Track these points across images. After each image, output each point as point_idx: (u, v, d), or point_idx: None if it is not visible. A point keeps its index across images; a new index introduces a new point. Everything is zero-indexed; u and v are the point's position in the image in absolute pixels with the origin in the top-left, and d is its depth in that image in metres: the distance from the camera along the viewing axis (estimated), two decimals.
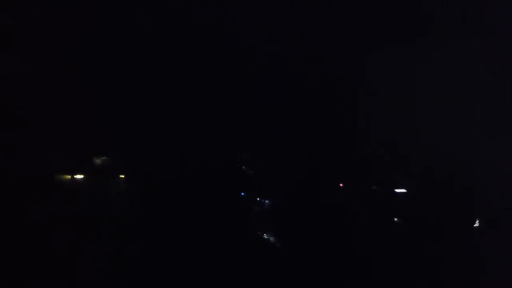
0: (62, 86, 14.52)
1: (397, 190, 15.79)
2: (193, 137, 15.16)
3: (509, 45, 15.62)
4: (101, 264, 13.57)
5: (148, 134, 14.93)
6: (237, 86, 15.52)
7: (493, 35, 15.54)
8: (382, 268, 14.36)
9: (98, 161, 14.81)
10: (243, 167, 15.54)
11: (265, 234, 14.97)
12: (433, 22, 15.64)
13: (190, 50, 15.26)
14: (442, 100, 15.69)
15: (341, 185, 15.55)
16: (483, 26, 15.54)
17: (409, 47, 15.48)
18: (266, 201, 15.36)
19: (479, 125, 15.73)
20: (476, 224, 15.40)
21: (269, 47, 15.58)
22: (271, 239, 14.93)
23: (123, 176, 14.88)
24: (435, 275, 14.42)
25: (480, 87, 15.68)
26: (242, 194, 15.35)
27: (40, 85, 14.42)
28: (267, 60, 15.55)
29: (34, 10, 14.37)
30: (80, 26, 14.58)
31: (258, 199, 15.38)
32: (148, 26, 15.03)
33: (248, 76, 15.56)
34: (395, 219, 15.42)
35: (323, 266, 14.36)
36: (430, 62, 15.54)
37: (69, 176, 14.56)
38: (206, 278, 13.82)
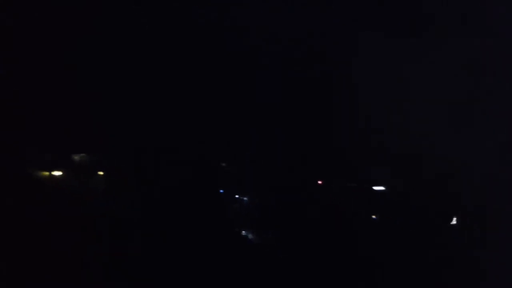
0: (44, 85, 14.52)
1: (377, 188, 15.85)
2: (173, 135, 15.20)
3: (498, 44, 15.71)
4: (82, 260, 13.53)
5: (128, 131, 14.95)
6: (221, 85, 15.57)
7: (483, 34, 15.64)
8: (362, 264, 14.38)
9: (77, 158, 14.82)
10: (223, 164, 15.59)
11: (243, 231, 15.00)
12: (426, 23, 15.71)
13: (178, 47, 15.29)
14: (428, 99, 15.78)
15: (319, 182, 15.60)
16: (474, 25, 15.63)
17: (397, 46, 15.58)
18: (245, 198, 15.41)
19: (462, 123, 15.82)
20: (456, 221, 15.46)
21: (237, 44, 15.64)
22: (250, 235, 14.96)
23: (102, 173, 14.89)
24: (417, 270, 14.44)
25: (465, 87, 15.78)
26: (221, 191, 15.40)
27: (21, 84, 14.41)
28: (249, 60, 15.63)
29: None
30: (73, 23, 14.61)
31: (236, 196, 15.42)
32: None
33: (234, 75, 15.62)
34: (373, 216, 15.48)
35: (302, 262, 14.36)
36: (418, 62, 15.64)
37: (47, 173, 14.55)
38: (185, 273, 13.81)
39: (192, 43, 15.31)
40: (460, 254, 14.68)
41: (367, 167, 15.86)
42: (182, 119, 15.26)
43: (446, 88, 15.81)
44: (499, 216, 14.96)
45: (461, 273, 14.15)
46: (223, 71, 15.44)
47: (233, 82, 15.61)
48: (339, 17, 15.58)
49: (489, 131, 15.61)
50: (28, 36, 14.42)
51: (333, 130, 15.78)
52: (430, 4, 15.67)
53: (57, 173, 14.66)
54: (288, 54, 15.68)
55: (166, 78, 15.17)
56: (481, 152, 15.37)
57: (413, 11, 15.77)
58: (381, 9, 15.76)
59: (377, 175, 15.86)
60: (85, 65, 14.66)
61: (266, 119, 15.66)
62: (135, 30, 14.98)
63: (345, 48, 15.77)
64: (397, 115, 15.70)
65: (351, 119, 15.81)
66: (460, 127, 15.66)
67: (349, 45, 15.74)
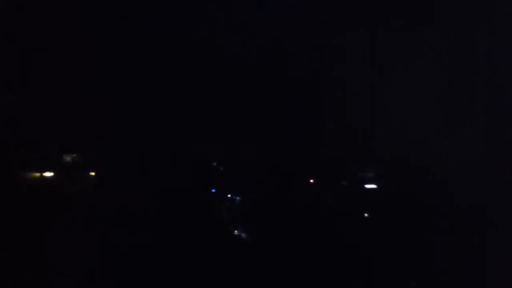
0: (32, 85, 14.46)
1: (367, 186, 15.88)
2: (164, 134, 15.17)
3: (480, 42, 15.77)
4: (74, 260, 13.48)
5: (118, 131, 14.91)
6: (208, 84, 15.55)
7: (468, 30, 15.70)
8: (353, 262, 14.40)
9: (68, 158, 14.76)
10: (214, 164, 15.57)
11: (236, 230, 14.99)
12: (415, 20, 15.75)
13: (163, 45, 15.26)
14: (413, 97, 15.83)
15: (311, 181, 15.61)
16: (464, 21, 15.69)
17: (388, 44, 15.63)
18: (237, 198, 15.40)
19: (447, 120, 15.88)
20: (445, 217, 15.52)
21: (241, 45, 15.64)
22: (242, 235, 14.96)
23: (93, 173, 14.83)
24: (406, 268, 14.48)
25: (449, 83, 15.84)
26: (213, 190, 15.38)
27: (9, 84, 14.34)
28: (238, 58, 15.61)
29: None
30: (63, 22, 14.56)
31: (229, 195, 15.41)
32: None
33: (220, 74, 15.60)
34: (366, 214, 15.50)
35: (294, 261, 14.35)
36: (408, 61, 15.70)
37: (38, 174, 14.49)
38: (177, 273, 13.78)
39: (173, 42, 15.28)
40: (452, 251, 14.72)
41: (359, 166, 15.90)
42: (173, 119, 15.24)
43: (436, 87, 15.87)
44: (490, 213, 15.04)
45: (453, 270, 14.22)
46: (211, 70, 15.43)
47: (222, 81, 15.60)
48: (324, 15, 15.63)
49: (480, 129, 15.69)
50: (13, 37, 14.36)
51: (325, 129, 15.82)
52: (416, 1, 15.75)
53: (48, 174, 14.59)
54: (279, 52, 15.68)
55: (156, 77, 15.14)
56: (473, 150, 15.45)
57: (399, 8, 15.80)
58: (367, 7, 15.79)
59: (369, 173, 15.90)
60: (74, 64, 14.61)
61: (258, 119, 15.67)
62: (123, 28, 14.95)
63: (334, 47, 15.79)
64: (388, 114, 15.76)
65: (343, 118, 15.84)
66: (451, 125, 15.74)
67: (339, 43, 15.77)
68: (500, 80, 15.60)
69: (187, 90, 15.41)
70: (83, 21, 14.71)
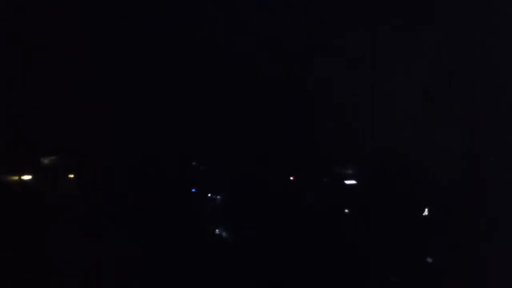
0: (9, 84, 14.36)
1: (348, 182, 15.92)
2: (143, 134, 15.12)
3: (462, 39, 15.86)
4: (52, 264, 13.42)
5: (97, 132, 14.84)
6: (186, 85, 15.52)
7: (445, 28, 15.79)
8: (334, 260, 14.45)
9: (46, 161, 14.67)
10: (194, 163, 15.54)
11: (217, 230, 14.98)
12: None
13: (143, 47, 15.23)
14: (392, 94, 15.89)
15: (291, 178, 15.64)
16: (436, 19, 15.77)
17: (360, 40, 15.66)
18: (218, 197, 15.38)
19: (427, 118, 15.96)
20: (425, 213, 15.59)
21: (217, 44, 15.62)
22: (223, 234, 14.95)
23: (72, 175, 14.76)
24: (386, 265, 14.55)
25: (429, 80, 15.92)
26: (193, 190, 15.36)
27: None
28: (217, 56, 15.59)
29: None
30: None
31: (209, 194, 15.39)
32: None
33: (197, 74, 15.58)
34: (346, 210, 15.55)
35: (276, 259, 14.38)
36: (389, 58, 15.76)
37: (16, 177, 14.40)
38: (157, 274, 13.77)
39: (153, 42, 15.26)
40: (433, 245, 14.81)
41: (339, 162, 15.94)
42: (151, 119, 15.20)
43: (420, 86, 15.96)
44: (474, 210, 15.16)
45: (434, 264, 14.33)
46: (193, 70, 15.40)
47: (202, 80, 15.58)
48: (300, 16, 15.67)
49: (459, 127, 15.80)
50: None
51: (304, 127, 15.83)
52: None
53: (26, 177, 14.51)
54: (259, 51, 15.69)
55: (135, 78, 15.09)
56: (452, 147, 15.55)
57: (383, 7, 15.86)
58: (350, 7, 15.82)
59: (349, 170, 15.94)
60: (54, 64, 14.53)
61: (237, 117, 15.66)
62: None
63: (314, 46, 15.82)
64: (368, 110, 15.82)
65: (322, 115, 15.87)
66: (434, 124, 15.83)
67: (318, 42, 15.80)
68: (486, 80, 15.75)
69: (166, 90, 15.37)
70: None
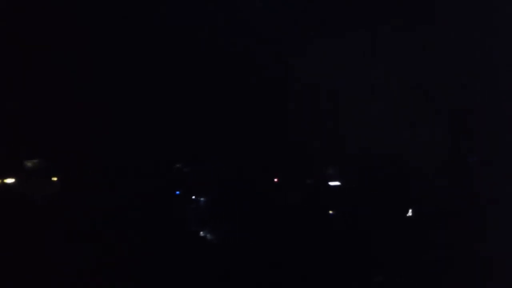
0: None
1: (332, 183, 15.96)
2: (126, 137, 15.14)
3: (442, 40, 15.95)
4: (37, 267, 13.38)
5: (82, 135, 14.86)
6: (170, 87, 15.55)
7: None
8: (319, 261, 14.45)
9: (30, 163, 14.66)
10: (178, 166, 15.56)
11: (201, 232, 14.98)
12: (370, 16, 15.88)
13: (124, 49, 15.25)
14: (377, 95, 15.97)
15: (275, 180, 15.66)
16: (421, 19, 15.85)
17: (346, 42, 15.73)
18: (202, 199, 15.39)
19: (412, 119, 16.03)
20: (409, 214, 15.63)
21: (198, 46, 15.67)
22: (208, 236, 14.95)
23: (55, 178, 14.75)
24: (371, 266, 14.55)
25: (416, 81, 16.01)
26: (177, 192, 15.36)
27: None
28: (197, 60, 15.64)
29: None
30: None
31: (193, 197, 15.40)
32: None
33: (182, 76, 15.62)
34: (330, 211, 15.57)
35: (260, 260, 14.37)
36: (369, 60, 15.83)
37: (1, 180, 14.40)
38: (142, 276, 13.74)
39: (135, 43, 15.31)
40: (418, 245, 14.82)
41: (322, 163, 15.98)
42: (135, 121, 15.23)
43: (398, 86, 16.02)
44: (453, 206, 15.21)
45: (419, 264, 14.33)
46: (175, 71, 15.45)
47: (184, 81, 15.62)
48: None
49: (442, 127, 15.87)
50: None
51: (287, 128, 15.88)
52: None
53: (9, 180, 14.50)
54: (240, 53, 15.74)
55: (119, 81, 15.13)
56: (435, 147, 15.62)
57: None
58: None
59: (332, 171, 15.98)
60: (37, 67, 14.55)
61: (221, 118, 15.70)
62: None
63: (295, 47, 15.89)
64: (351, 112, 15.88)
65: (306, 116, 15.93)
66: (413, 123, 15.91)
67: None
68: (474, 81, 15.86)
69: (150, 92, 15.42)
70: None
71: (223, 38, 15.55)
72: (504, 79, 15.53)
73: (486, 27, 15.48)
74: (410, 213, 15.65)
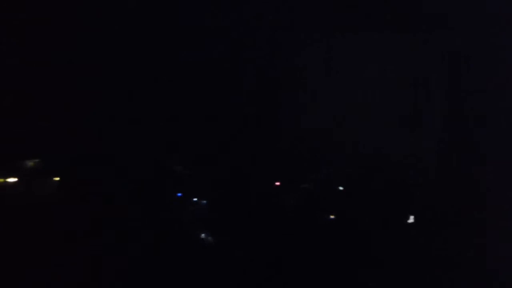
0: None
1: (334, 188, 15.95)
2: (128, 139, 15.15)
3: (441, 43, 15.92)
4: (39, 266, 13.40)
5: (81, 136, 14.87)
6: (174, 90, 15.57)
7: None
8: (321, 263, 14.43)
9: (31, 163, 14.68)
10: (179, 168, 15.57)
11: (202, 233, 14.98)
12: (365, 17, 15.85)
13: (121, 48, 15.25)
14: (375, 98, 15.95)
15: (277, 183, 15.65)
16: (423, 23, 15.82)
17: (339, 44, 15.73)
18: (203, 201, 15.40)
19: (415, 123, 16.01)
20: (411, 220, 15.60)
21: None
22: (208, 238, 14.95)
23: (57, 178, 14.77)
24: (372, 270, 14.52)
25: (411, 83, 15.99)
26: (179, 195, 15.37)
27: None
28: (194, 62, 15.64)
29: None
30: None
31: (195, 199, 15.41)
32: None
33: (186, 79, 15.63)
34: (332, 216, 15.55)
35: (261, 263, 14.37)
36: (371, 62, 15.82)
37: (1, 179, 14.41)
38: (144, 276, 13.75)
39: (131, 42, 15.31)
40: (418, 252, 14.78)
41: (324, 168, 15.97)
42: (137, 123, 15.24)
43: (397, 88, 16.00)
44: (455, 213, 15.17)
45: (419, 270, 14.30)
46: (175, 73, 15.45)
47: (185, 84, 15.63)
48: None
49: (442, 130, 15.84)
50: None
51: (289, 132, 15.88)
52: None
53: (11, 179, 14.52)
54: (241, 54, 15.74)
55: (120, 81, 15.14)
56: (435, 151, 15.59)
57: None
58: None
59: (333, 175, 15.97)
60: (39, 68, 14.57)
61: (223, 122, 15.70)
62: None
63: (293, 48, 15.88)
64: (352, 116, 15.87)
65: (308, 120, 15.92)
66: (413, 126, 15.87)
67: (297, 45, 15.86)
68: (470, 82, 15.81)
69: (151, 94, 15.42)
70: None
71: (228, 39, 15.55)
72: (509, 81, 15.50)
73: (494, 27, 15.45)
74: (411, 218, 15.63)
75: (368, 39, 15.76)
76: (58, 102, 14.82)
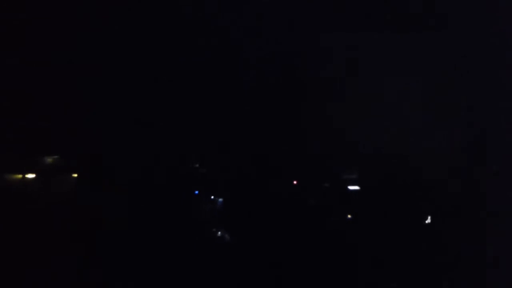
0: (13, 85, 14.39)
1: (350, 188, 15.92)
2: (146, 137, 15.14)
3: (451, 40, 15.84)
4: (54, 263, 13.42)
5: (100, 133, 14.86)
6: (188, 86, 15.53)
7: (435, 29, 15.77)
8: (336, 265, 14.45)
9: (50, 160, 14.69)
10: (196, 165, 15.56)
11: (219, 232, 14.99)
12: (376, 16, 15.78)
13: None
14: (394, 98, 15.90)
15: (294, 182, 15.63)
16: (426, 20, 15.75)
17: (365, 43, 15.66)
18: (220, 199, 15.40)
19: (432, 121, 15.96)
20: (428, 221, 15.57)
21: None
22: (226, 236, 14.96)
23: (75, 175, 14.77)
24: (387, 272, 14.54)
25: (427, 82, 15.93)
26: (196, 192, 15.37)
27: None
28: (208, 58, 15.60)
29: None
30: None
31: (212, 197, 15.41)
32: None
33: (200, 75, 15.59)
34: (349, 216, 15.54)
35: (278, 263, 14.39)
36: (389, 61, 15.76)
37: (20, 176, 14.41)
38: (160, 275, 13.79)
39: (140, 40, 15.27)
40: (436, 253, 14.79)
41: (342, 167, 15.94)
42: (155, 121, 15.21)
43: (420, 87, 15.95)
44: (473, 214, 15.14)
45: (437, 271, 14.32)
46: (195, 71, 15.41)
47: (204, 82, 15.60)
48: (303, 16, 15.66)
49: (462, 130, 15.78)
50: None
51: (307, 130, 15.83)
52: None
53: (30, 175, 14.53)
54: (260, 54, 15.68)
55: (137, 79, 15.12)
56: (455, 151, 15.53)
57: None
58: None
59: (351, 175, 15.94)
60: (56, 63, 14.56)
61: (241, 120, 15.67)
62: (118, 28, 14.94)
63: (314, 49, 15.83)
64: (372, 114, 15.81)
65: (325, 119, 15.87)
66: (436, 126, 15.81)
67: (329, 44, 15.80)
68: (485, 82, 15.73)
69: (168, 92, 15.38)
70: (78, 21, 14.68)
71: (239, 39, 15.52)
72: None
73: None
74: (429, 219, 15.60)
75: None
76: (77, 100, 14.80)
